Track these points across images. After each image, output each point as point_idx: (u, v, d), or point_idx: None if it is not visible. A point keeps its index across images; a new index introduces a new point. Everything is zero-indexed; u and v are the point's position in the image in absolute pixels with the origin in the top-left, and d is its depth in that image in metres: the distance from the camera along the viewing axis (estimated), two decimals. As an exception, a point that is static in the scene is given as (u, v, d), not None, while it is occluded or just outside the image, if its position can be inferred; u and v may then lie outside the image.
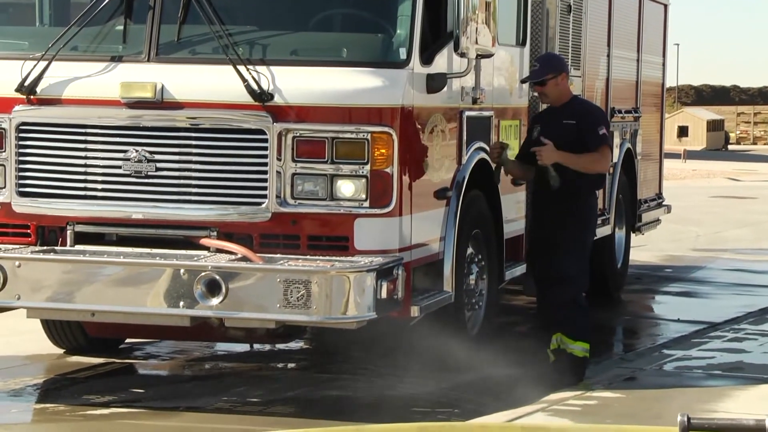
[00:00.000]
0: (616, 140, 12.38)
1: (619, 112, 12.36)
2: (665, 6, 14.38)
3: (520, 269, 9.90)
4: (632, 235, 13.47)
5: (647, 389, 8.73)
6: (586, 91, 11.24)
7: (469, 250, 8.96)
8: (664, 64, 14.58)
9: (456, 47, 8.21)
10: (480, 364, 8.75)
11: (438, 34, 8.16)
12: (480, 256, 9.15)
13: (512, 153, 9.16)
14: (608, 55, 12.04)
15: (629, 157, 12.81)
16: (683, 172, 39.95)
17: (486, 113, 9.18)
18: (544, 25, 10.17)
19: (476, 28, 8.31)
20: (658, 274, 15.27)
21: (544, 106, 9.44)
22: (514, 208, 9.78)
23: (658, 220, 14.43)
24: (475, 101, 8.87)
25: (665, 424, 6.66)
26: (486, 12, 8.46)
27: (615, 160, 12.28)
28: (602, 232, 11.82)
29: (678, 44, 71.16)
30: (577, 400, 8.22)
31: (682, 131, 70.78)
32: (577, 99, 9.16)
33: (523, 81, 9.46)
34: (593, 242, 9.84)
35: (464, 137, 8.81)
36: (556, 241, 8.77)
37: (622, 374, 9.30)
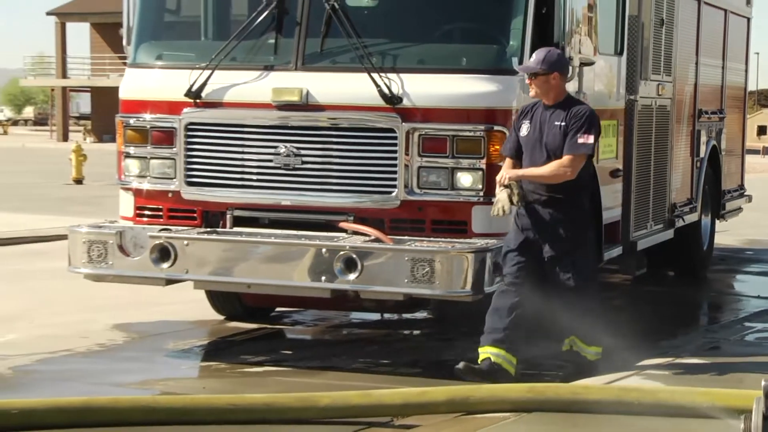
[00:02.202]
0: (703, 138, 12.18)
1: (706, 113, 12.16)
2: (748, 19, 14.10)
3: (616, 251, 9.75)
4: (717, 222, 13.29)
5: (730, 357, 8.53)
6: (676, 95, 11.07)
7: (572, 233, 8.82)
8: (746, 71, 14.32)
9: (562, 56, 8.11)
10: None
11: (546, 44, 8.06)
12: (581, 239, 9.01)
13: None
14: (696, 63, 11.81)
15: (714, 153, 12.62)
16: (762, 166, 39.27)
17: (587, 114, 9.03)
18: (639, 36, 9.99)
19: (579, 40, 8.21)
20: (740, 256, 14.97)
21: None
22: (611, 197, 9.62)
23: (740, 209, 14.21)
24: (578, 103, 8.74)
25: (748, 388, 6.58)
26: (588, 25, 8.35)
27: (702, 155, 12.10)
28: (690, 218, 11.65)
29: (758, 53, 69.53)
30: (668, 366, 8.08)
31: (762, 130, 69.53)
32: (570, 100, 7.72)
33: (517, 69, 7.88)
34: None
35: (568, 135, 8.69)
36: (558, 251, 7.58)
37: (707, 344, 9.13)
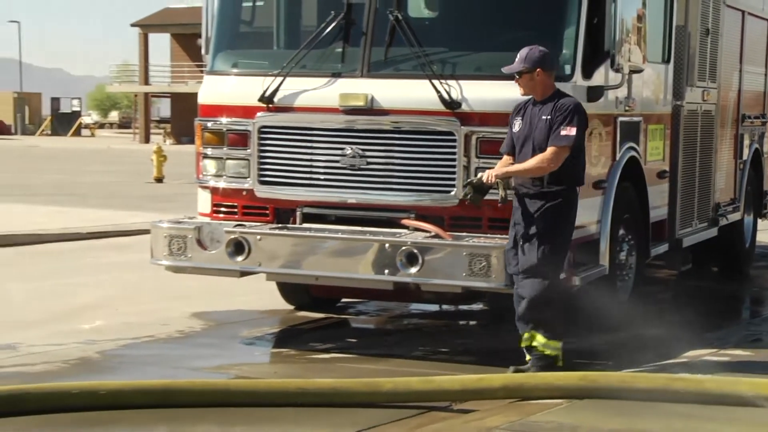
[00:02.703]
0: (746, 141, 12.04)
1: (749, 117, 12.02)
2: (789, 29, 13.89)
3: (663, 247, 9.67)
4: (759, 220, 13.12)
5: (772, 349, 8.44)
6: (720, 100, 10.94)
7: (621, 231, 8.78)
8: (788, 78, 14.12)
9: (612, 64, 8.05)
10: (629, 325, 8.57)
11: (597, 53, 8.00)
12: (630, 236, 8.96)
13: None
14: (740, 70, 11.67)
15: (757, 155, 12.48)
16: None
17: (636, 119, 8.98)
18: (686, 45, 9.89)
19: (629, 48, 8.13)
20: (781, 253, 14.78)
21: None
22: (658, 197, 9.55)
23: (781, 208, 14.01)
24: (627, 109, 8.69)
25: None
26: (637, 35, 8.27)
27: (744, 158, 11.95)
28: (733, 217, 11.53)
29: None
30: (712, 357, 7.99)
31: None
32: (557, 94, 7.35)
33: (503, 70, 7.53)
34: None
35: (618, 138, 8.63)
36: (530, 237, 7.25)
37: (749, 336, 9.03)
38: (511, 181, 7.33)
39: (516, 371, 7.29)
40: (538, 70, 7.27)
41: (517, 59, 7.34)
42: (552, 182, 7.24)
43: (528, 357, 7.41)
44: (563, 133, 7.18)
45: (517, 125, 7.40)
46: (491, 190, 7.35)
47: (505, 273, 7.47)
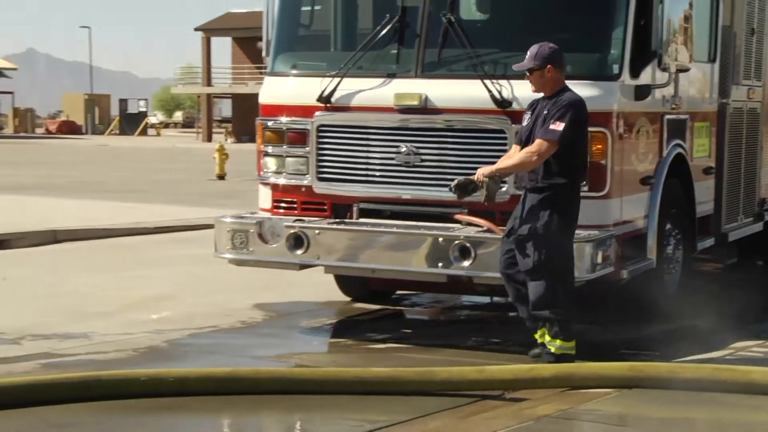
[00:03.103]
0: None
1: (792, 116, 11.81)
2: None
3: (709, 242, 9.55)
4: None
5: (816, 339, 8.30)
6: (766, 98, 10.77)
7: (668, 226, 8.68)
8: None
9: (659, 63, 7.97)
10: (676, 317, 8.48)
11: (645, 52, 7.90)
12: (676, 231, 8.86)
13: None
14: (785, 69, 11.48)
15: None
16: None
17: (682, 116, 8.87)
18: (731, 45, 9.75)
19: (676, 48, 8.05)
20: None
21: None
22: (704, 192, 9.42)
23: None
24: (674, 107, 8.59)
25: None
26: (684, 35, 8.18)
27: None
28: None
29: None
30: (759, 348, 7.88)
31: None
32: (561, 90, 7.13)
33: (513, 67, 7.49)
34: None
35: (665, 136, 8.54)
36: (528, 237, 7.06)
37: (794, 328, 8.89)
38: (497, 179, 7.14)
39: (534, 356, 7.25)
40: (548, 66, 7.11)
41: (527, 56, 7.18)
42: (546, 178, 7.04)
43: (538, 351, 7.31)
44: (551, 127, 6.97)
45: (526, 119, 7.27)
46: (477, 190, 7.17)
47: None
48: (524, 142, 7.21)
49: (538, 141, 7.00)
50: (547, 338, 7.16)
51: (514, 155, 7.26)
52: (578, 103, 7.11)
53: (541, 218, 7.02)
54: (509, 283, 7.32)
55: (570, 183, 7.12)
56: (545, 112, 7.09)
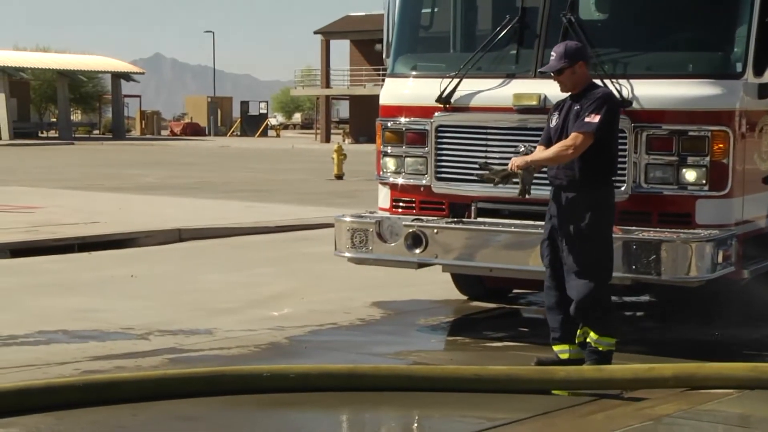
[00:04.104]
0: None
1: None
2: None
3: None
4: None
5: None
6: None
7: (791, 226, 8.43)
8: None
9: (784, 61, 7.75)
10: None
11: (768, 50, 7.71)
12: (800, 231, 8.60)
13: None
14: None
15: None
16: None
17: (807, 114, 8.60)
18: None
19: (801, 46, 7.80)
20: None
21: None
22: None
23: None
24: (798, 105, 8.33)
25: None
26: (809, 32, 7.92)
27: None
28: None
29: None
30: None
31: None
32: (591, 85, 7.03)
33: (541, 71, 7.52)
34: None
35: (789, 134, 8.30)
36: (571, 238, 6.91)
37: None
38: (532, 170, 7.00)
39: (539, 363, 7.06)
40: (579, 63, 6.96)
41: (554, 57, 7.01)
42: (584, 175, 6.87)
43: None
44: (587, 119, 6.80)
45: (554, 120, 7.09)
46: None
47: (675, 266, 7.27)
48: (557, 141, 7.02)
49: (573, 134, 6.84)
50: (593, 336, 6.97)
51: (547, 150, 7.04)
52: (612, 96, 7.05)
53: (583, 218, 6.87)
54: (550, 290, 7.12)
55: (606, 179, 6.98)
56: (577, 107, 6.92)
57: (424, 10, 9.03)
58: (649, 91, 7.65)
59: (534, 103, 7.91)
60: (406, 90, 8.65)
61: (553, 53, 7.08)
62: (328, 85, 64.87)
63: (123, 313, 9.26)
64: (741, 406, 6.36)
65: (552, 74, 7.07)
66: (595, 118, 6.82)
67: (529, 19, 8.09)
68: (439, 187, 8.42)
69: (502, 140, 8.12)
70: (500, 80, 8.16)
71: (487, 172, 7.30)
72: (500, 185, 7.30)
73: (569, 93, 7.09)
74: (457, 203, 8.40)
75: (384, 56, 8.92)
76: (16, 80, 63.12)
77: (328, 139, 61.53)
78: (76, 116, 76.71)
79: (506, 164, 7.83)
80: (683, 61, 7.85)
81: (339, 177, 27.18)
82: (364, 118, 57.21)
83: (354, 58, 65.51)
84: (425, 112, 8.40)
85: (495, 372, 6.75)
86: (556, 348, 7.17)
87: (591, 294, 6.87)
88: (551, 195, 7.10)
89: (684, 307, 9.28)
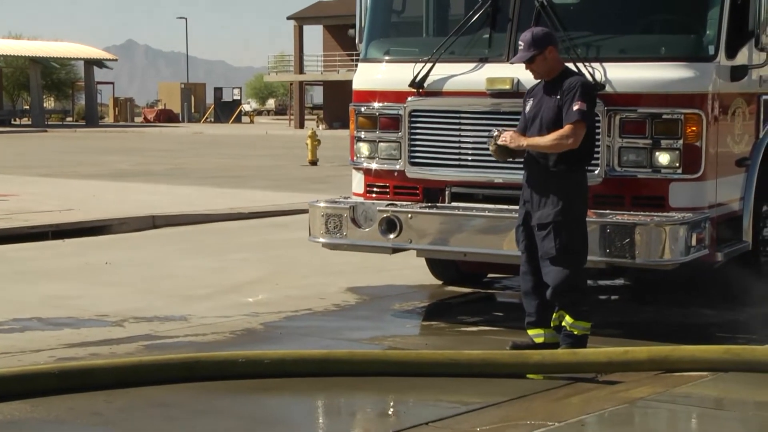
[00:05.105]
0: None
1: None
2: None
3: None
4: None
5: None
6: None
7: (764, 208, 8.46)
8: None
9: (756, 43, 7.75)
10: (772, 300, 8.26)
11: (741, 33, 7.69)
12: (772, 213, 8.62)
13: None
14: None
15: None
16: None
17: (779, 97, 8.62)
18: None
19: (773, 28, 7.80)
20: None
21: None
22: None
23: None
24: (770, 87, 8.35)
25: None
26: (782, 14, 7.93)
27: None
28: None
29: None
30: None
31: None
32: (565, 72, 6.96)
33: (511, 62, 7.35)
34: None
35: (761, 116, 8.33)
36: (545, 225, 6.85)
37: None
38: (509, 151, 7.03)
39: (514, 347, 7.01)
40: (549, 47, 6.86)
41: (522, 47, 6.91)
42: (557, 162, 6.82)
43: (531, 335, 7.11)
44: (576, 108, 6.73)
45: (528, 106, 7.03)
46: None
47: (648, 249, 7.26)
48: (531, 126, 6.96)
49: (568, 126, 6.74)
50: (569, 320, 6.90)
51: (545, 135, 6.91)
52: (588, 82, 7.02)
53: (557, 204, 6.81)
54: (526, 275, 7.06)
55: (579, 166, 6.92)
56: (554, 96, 6.84)
57: (396, -5, 8.97)
58: (622, 75, 7.63)
59: (507, 87, 7.87)
60: (379, 75, 8.60)
61: (520, 43, 6.95)
62: (301, 71, 64.63)
63: (97, 300, 9.18)
64: (715, 388, 6.36)
65: (524, 64, 6.96)
66: (582, 105, 6.75)
67: (501, 3, 8.04)
68: (413, 172, 8.38)
69: (476, 124, 8.09)
70: (473, 64, 8.11)
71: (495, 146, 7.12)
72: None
73: (543, 80, 6.98)
74: (431, 188, 8.36)
75: (357, 41, 8.86)
76: (-12, 67, 62.56)
77: (302, 125, 61.33)
78: (49, 103, 76.14)
79: (482, 148, 7.78)
80: (656, 44, 7.84)
81: (313, 163, 27.09)
82: (337, 104, 57.06)
83: (327, 44, 65.29)
84: (398, 96, 8.35)
85: (470, 356, 6.73)
86: (531, 332, 7.14)
87: (567, 279, 6.82)
88: (524, 179, 7.05)
89: (658, 289, 9.29)
